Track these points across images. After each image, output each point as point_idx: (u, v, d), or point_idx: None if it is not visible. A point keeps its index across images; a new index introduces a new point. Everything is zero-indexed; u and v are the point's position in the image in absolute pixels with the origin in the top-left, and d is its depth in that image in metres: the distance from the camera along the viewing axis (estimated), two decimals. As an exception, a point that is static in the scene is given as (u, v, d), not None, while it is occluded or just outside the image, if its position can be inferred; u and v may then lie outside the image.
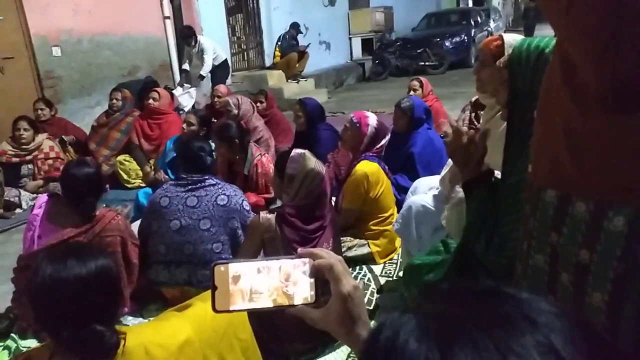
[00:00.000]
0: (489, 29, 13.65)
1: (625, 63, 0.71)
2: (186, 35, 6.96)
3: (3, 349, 2.24)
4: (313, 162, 2.11)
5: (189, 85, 6.93)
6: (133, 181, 4.67)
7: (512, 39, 1.85)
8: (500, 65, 1.48)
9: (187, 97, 6.75)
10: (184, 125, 3.91)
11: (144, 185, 4.37)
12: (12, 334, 2.31)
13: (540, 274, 0.98)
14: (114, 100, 5.02)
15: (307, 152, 2.16)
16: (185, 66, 7.16)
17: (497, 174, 1.52)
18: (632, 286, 0.83)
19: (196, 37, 6.96)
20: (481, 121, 2.18)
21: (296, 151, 2.16)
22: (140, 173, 4.65)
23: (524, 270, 1.04)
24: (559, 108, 0.87)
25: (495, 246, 1.24)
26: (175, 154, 3.80)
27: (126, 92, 5.16)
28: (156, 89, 5.06)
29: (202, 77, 6.93)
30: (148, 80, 6.64)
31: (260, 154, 3.40)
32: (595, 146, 0.83)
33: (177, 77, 7.44)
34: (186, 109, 6.38)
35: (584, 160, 0.84)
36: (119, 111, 4.99)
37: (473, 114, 3.85)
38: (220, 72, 7.11)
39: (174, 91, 6.59)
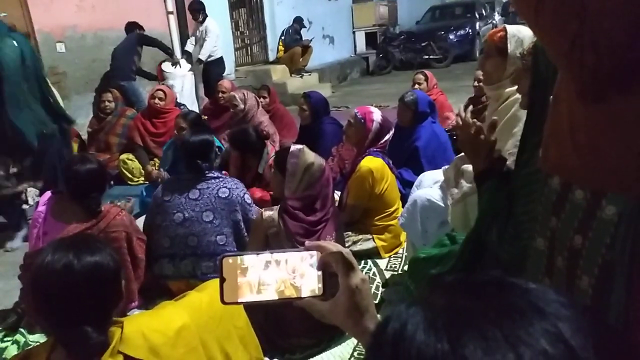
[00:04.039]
0: (494, 21, 13.55)
1: (590, 59, 0.76)
2: (195, 9, 6.87)
3: (12, 343, 2.27)
4: (312, 156, 2.16)
5: (188, 68, 6.81)
6: (137, 179, 4.69)
7: (516, 30, 1.85)
8: (524, 52, 1.48)
9: (179, 81, 6.59)
10: (175, 131, 3.72)
11: (147, 182, 4.38)
12: (21, 329, 2.34)
13: (540, 256, 1.03)
14: (106, 102, 4.94)
15: (305, 147, 2.21)
16: (189, 47, 7.02)
17: None
18: (619, 273, 0.87)
19: (205, 13, 6.86)
20: (486, 113, 2.18)
21: (295, 147, 2.21)
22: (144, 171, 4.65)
23: (529, 252, 1.08)
24: (567, 98, 0.90)
25: (509, 236, 1.23)
26: (172, 159, 3.74)
27: (116, 93, 5.11)
28: (161, 87, 5.02)
29: (200, 62, 6.81)
30: (137, 36, 6.37)
31: None
32: (591, 137, 0.87)
33: (178, 54, 7.22)
34: (179, 93, 6.22)
35: (583, 149, 0.88)
36: (112, 113, 4.94)
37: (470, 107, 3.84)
38: (214, 68, 6.91)
39: (163, 65, 6.54)
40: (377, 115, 2.99)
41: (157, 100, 4.72)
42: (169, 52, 6.76)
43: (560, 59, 0.86)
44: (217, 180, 2.51)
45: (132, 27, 6.41)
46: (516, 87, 1.85)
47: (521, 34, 1.82)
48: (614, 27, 0.74)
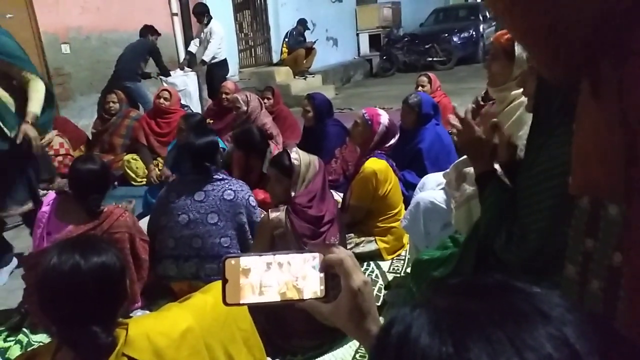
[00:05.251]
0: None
1: (562, 58, 0.74)
2: (199, 12, 6.93)
3: (15, 343, 2.27)
4: (305, 154, 2.23)
5: (191, 69, 6.91)
6: (141, 180, 4.69)
7: None
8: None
9: (181, 80, 6.65)
10: (176, 131, 3.79)
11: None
12: (24, 329, 2.35)
13: (570, 284, 0.97)
14: (110, 104, 4.96)
15: (296, 146, 2.32)
16: (192, 48, 7.09)
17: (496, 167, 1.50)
18: None
19: (210, 16, 6.92)
20: (483, 112, 2.18)
21: (291, 149, 2.27)
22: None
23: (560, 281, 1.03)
24: (590, 115, 0.88)
25: (517, 239, 1.23)
26: (175, 160, 3.75)
27: (120, 94, 5.12)
28: (166, 88, 5.04)
29: (204, 63, 6.86)
30: (150, 44, 6.46)
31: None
32: (611, 148, 0.84)
33: (182, 56, 7.35)
34: (182, 93, 6.29)
35: (607, 162, 0.85)
36: (116, 114, 4.96)
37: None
38: (217, 70, 6.95)
39: (172, 72, 6.64)
40: (384, 118, 2.97)
41: (162, 100, 4.74)
42: (164, 73, 6.72)
43: (535, 60, 0.85)
44: (223, 182, 2.50)
45: (147, 31, 6.45)
46: (522, 89, 1.85)
47: None
48: (582, 17, 0.73)
